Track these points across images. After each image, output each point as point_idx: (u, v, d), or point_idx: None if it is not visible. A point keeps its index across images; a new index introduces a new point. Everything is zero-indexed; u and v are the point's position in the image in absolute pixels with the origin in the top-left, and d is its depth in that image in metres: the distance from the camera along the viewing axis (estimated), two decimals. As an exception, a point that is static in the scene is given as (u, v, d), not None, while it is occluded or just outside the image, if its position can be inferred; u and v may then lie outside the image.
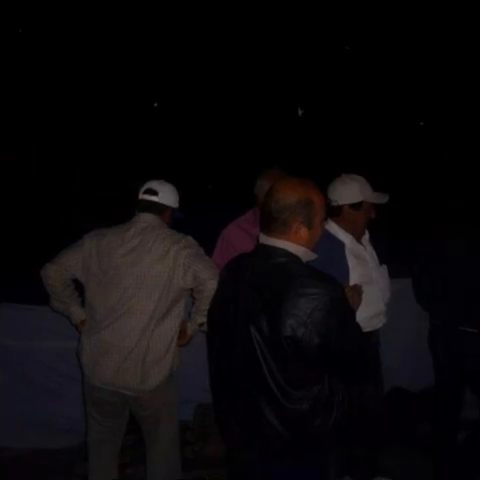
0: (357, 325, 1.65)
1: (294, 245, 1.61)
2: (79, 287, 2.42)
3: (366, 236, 2.53)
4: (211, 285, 2.13)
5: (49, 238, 5.49)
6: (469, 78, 12.90)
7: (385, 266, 2.54)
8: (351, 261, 2.35)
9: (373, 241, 2.55)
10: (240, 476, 1.81)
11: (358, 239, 2.46)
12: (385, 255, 2.57)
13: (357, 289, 1.94)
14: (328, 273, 1.59)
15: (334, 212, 2.38)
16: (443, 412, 2.83)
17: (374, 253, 2.52)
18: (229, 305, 1.67)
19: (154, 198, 2.39)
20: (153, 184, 2.43)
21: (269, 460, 1.65)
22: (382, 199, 2.43)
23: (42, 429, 3.07)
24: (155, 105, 16.59)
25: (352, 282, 2.17)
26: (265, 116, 15.54)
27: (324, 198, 1.73)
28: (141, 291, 2.22)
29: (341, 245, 2.37)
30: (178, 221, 2.51)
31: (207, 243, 2.64)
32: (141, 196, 2.42)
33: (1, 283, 4.09)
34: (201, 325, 2.32)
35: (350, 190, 2.38)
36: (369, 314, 2.30)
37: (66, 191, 11.83)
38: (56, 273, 2.33)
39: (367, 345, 2.24)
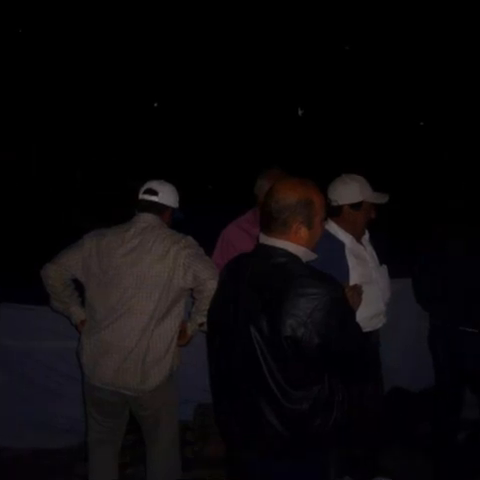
0: (357, 325, 1.65)
1: (294, 245, 1.61)
2: (79, 287, 2.42)
3: (366, 236, 2.53)
4: (211, 285, 2.13)
5: (49, 238, 5.48)
6: (469, 78, 12.89)
7: (385, 266, 2.54)
8: (351, 261, 2.35)
9: (373, 241, 2.55)
10: (240, 476, 1.81)
11: (358, 239, 2.46)
12: (385, 255, 2.57)
13: (357, 289, 1.95)
14: (328, 273, 1.59)
15: (334, 212, 2.38)
16: (443, 412, 2.83)
17: (374, 253, 2.52)
18: (229, 305, 1.67)
19: (154, 198, 2.39)
20: (153, 184, 2.43)
21: (269, 460, 1.65)
22: (382, 199, 2.44)
23: (42, 429, 3.07)
24: (155, 105, 16.59)
25: (352, 282, 2.17)
26: (265, 116, 15.54)
27: (324, 198, 1.73)
28: (141, 291, 2.22)
29: (341, 245, 2.37)
30: (178, 221, 2.51)
31: (207, 243, 2.64)
32: (141, 196, 2.42)
33: (1, 283, 4.09)
34: (201, 325, 2.32)
35: (350, 190, 2.38)
36: (369, 314, 2.30)
37: (66, 191, 11.83)
38: (56, 273, 2.33)
39: (367, 345, 2.24)
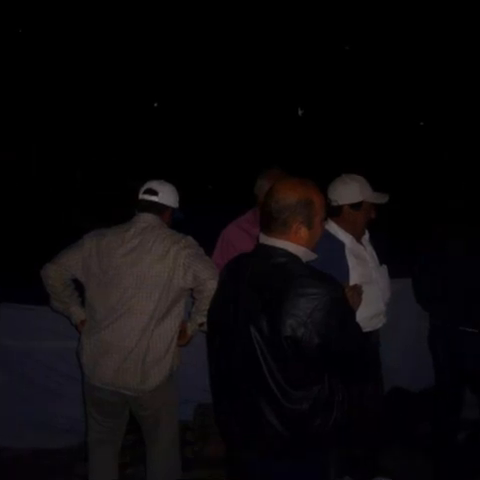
0: (357, 325, 1.65)
1: (294, 245, 1.62)
2: (79, 287, 2.42)
3: (366, 236, 2.53)
4: (211, 285, 2.13)
5: (49, 238, 5.48)
6: (469, 78, 12.90)
7: (385, 266, 2.54)
8: (351, 261, 2.35)
9: (373, 241, 2.55)
10: (240, 476, 1.81)
11: (358, 239, 2.46)
12: (385, 255, 2.57)
13: (357, 289, 1.95)
14: (328, 273, 1.59)
15: (334, 212, 2.38)
16: (443, 412, 2.83)
17: (374, 253, 2.52)
18: (229, 305, 1.67)
19: (154, 198, 2.39)
20: (153, 184, 2.43)
21: (269, 460, 1.65)
22: (382, 199, 2.44)
23: (42, 429, 3.07)
24: (155, 105, 16.59)
25: (352, 282, 2.17)
26: (265, 116, 15.54)
27: (324, 198, 1.73)
28: (141, 291, 2.22)
29: (341, 245, 2.37)
30: (178, 221, 2.51)
31: (207, 243, 2.64)
32: (141, 196, 2.42)
33: (1, 283, 4.09)
34: (201, 325, 2.32)
35: (350, 190, 2.38)
36: (369, 314, 2.30)
37: (66, 191, 11.83)
38: (56, 273, 2.33)
39: (367, 345, 2.24)
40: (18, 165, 12.48)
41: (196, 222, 3.65)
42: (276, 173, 2.76)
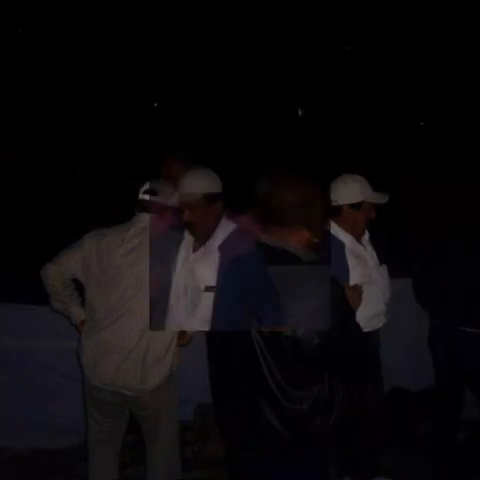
0: (357, 325, 1.65)
1: (294, 245, 1.62)
2: (79, 287, 2.42)
3: (366, 236, 2.53)
4: (211, 285, 2.13)
5: (49, 238, 5.48)
6: (469, 78, 12.90)
7: (385, 266, 2.54)
8: (351, 261, 2.35)
9: (373, 241, 2.55)
10: (240, 476, 1.81)
11: (358, 239, 2.46)
12: (385, 255, 2.57)
13: (357, 289, 1.95)
14: (328, 273, 1.59)
15: (334, 212, 2.38)
16: (443, 412, 2.83)
17: (374, 253, 2.52)
18: (229, 305, 1.67)
19: (154, 198, 2.39)
20: (153, 184, 2.44)
21: (269, 460, 1.65)
22: (382, 199, 2.44)
23: (42, 429, 3.07)
24: (155, 105, 16.59)
25: (352, 282, 2.17)
26: (265, 116, 15.53)
27: (325, 198, 1.73)
28: (141, 291, 2.23)
29: (341, 245, 2.38)
30: (178, 221, 2.51)
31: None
32: (141, 196, 2.42)
33: (1, 283, 4.08)
34: (201, 325, 2.32)
35: (350, 190, 2.38)
36: (369, 314, 2.30)
37: (66, 191, 11.82)
38: (56, 273, 2.33)
39: (367, 345, 2.24)
40: (18, 165, 12.47)
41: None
42: (277, 173, 2.76)
